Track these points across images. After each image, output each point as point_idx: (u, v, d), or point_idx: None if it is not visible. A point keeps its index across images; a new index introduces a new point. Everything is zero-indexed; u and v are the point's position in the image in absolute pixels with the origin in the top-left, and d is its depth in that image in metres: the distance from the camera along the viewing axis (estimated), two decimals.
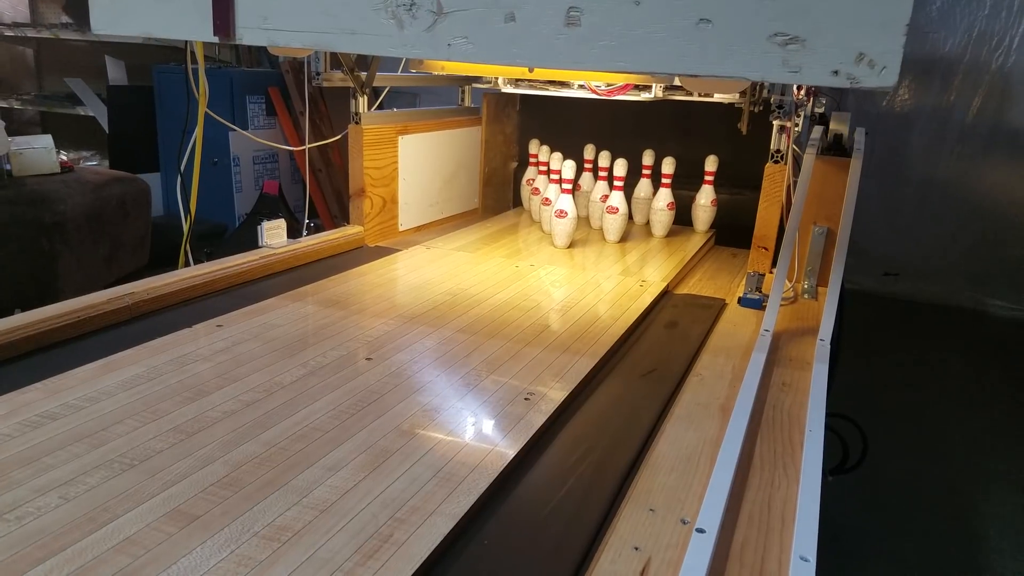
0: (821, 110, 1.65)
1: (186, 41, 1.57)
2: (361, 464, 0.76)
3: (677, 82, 1.61)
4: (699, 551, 0.62)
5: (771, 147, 1.48)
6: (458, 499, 0.70)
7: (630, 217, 1.87)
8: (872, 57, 0.76)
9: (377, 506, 0.69)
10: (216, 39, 1.03)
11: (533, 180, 2.00)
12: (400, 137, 1.75)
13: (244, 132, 2.50)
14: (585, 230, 1.89)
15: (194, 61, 1.60)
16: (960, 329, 2.96)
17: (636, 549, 0.66)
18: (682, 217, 1.88)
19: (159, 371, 0.95)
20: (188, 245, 1.65)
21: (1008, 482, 1.89)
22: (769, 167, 1.49)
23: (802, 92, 1.48)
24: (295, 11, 0.97)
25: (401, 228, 1.82)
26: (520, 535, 0.68)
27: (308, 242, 1.57)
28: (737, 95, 1.66)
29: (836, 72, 0.78)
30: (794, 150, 1.50)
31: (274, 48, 1.10)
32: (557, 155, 1.81)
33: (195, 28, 1.03)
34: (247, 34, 1.01)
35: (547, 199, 1.79)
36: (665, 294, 1.44)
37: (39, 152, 2.08)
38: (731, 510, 0.72)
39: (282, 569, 0.60)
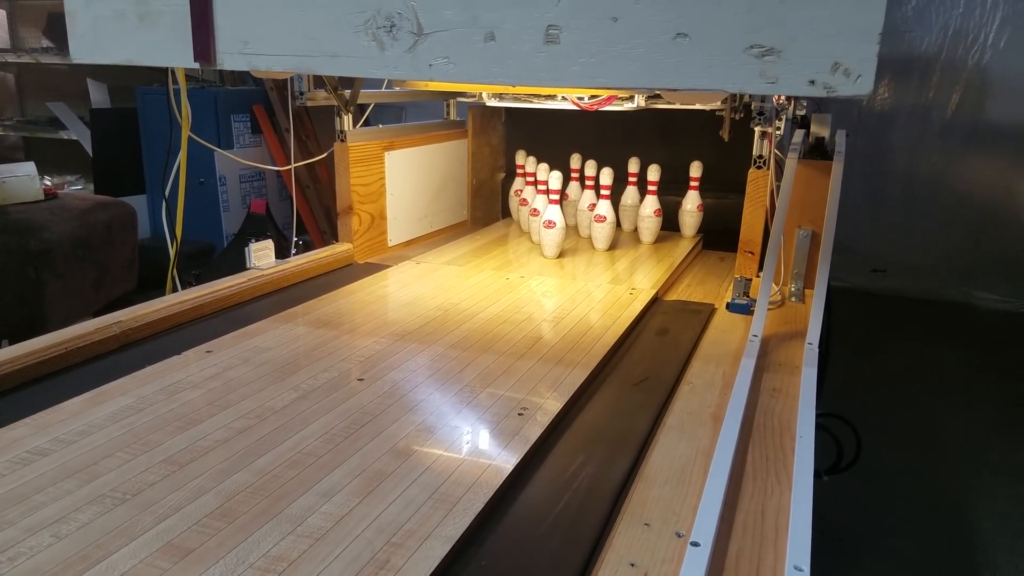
0: (802, 113, 1.67)
1: None
2: (355, 489, 0.76)
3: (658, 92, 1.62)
4: (694, 565, 0.62)
5: (753, 153, 1.49)
6: (454, 520, 0.70)
7: (618, 225, 1.88)
8: (847, 66, 0.77)
9: (373, 532, 0.69)
10: (197, 65, 1.03)
11: (521, 191, 2.01)
12: (387, 153, 1.76)
13: (227, 153, 2.49)
14: (574, 239, 1.90)
15: (176, 83, 1.60)
16: (949, 323, 2.99)
17: (632, 565, 0.66)
18: (669, 223, 1.90)
19: (149, 401, 0.94)
20: (175, 269, 1.64)
21: (1003, 474, 1.90)
22: (752, 173, 1.50)
23: (782, 97, 1.49)
24: (276, 35, 0.97)
25: (390, 243, 1.82)
26: (517, 554, 0.68)
27: (297, 261, 1.56)
28: (718, 103, 1.68)
29: (812, 82, 0.79)
30: (776, 154, 1.51)
31: (256, 72, 1.10)
32: (544, 166, 1.82)
33: (176, 55, 1.03)
34: (228, 59, 1.01)
35: (535, 210, 1.80)
36: (655, 301, 1.45)
37: (22, 180, 2.07)
38: (725, 521, 0.73)
39: None
